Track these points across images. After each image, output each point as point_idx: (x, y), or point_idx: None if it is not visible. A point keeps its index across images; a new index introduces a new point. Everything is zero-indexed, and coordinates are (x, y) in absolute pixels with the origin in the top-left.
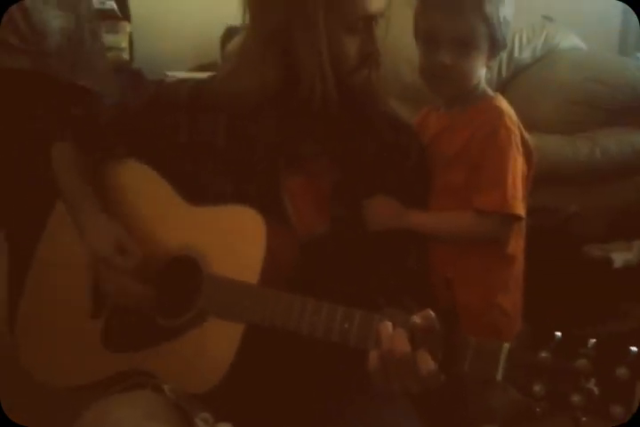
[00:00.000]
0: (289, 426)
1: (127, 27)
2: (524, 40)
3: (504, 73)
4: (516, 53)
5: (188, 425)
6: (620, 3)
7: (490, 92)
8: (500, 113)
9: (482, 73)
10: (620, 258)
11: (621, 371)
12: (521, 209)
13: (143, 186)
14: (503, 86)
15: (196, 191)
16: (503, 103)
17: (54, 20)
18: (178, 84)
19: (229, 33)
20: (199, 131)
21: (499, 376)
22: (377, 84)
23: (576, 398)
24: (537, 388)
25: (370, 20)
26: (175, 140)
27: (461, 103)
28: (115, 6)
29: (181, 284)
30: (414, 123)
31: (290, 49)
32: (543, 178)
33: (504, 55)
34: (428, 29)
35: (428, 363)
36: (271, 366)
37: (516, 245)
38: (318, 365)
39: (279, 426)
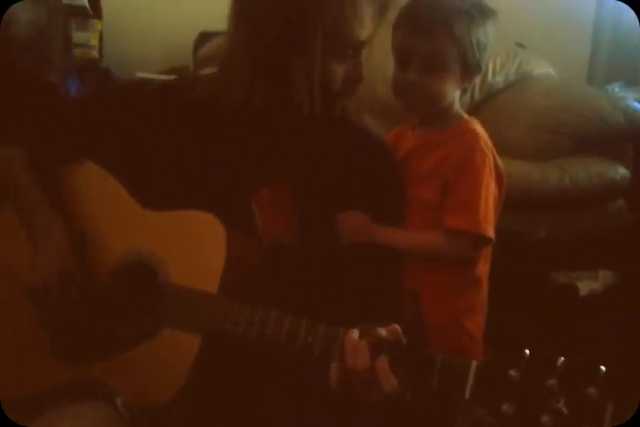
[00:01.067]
0: None
1: (98, 24)
2: (498, 65)
3: (476, 96)
4: (490, 78)
5: None
6: (591, 32)
7: (464, 115)
8: (475, 136)
9: (454, 94)
10: (585, 287)
11: (591, 391)
12: (491, 232)
13: (97, 189)
14: (475, 109)
15: (154, 196)
16: (478, 127)
17: (23, 12)
18: (144, 82)
19: (203, 38)
20: (162, 133)
21: (467, 394)
22: (351, 104)
23: (545, 418)
24: (505, 407)
25: (359, 48)
26: (135, 141)
27: (435, 123)
28: (86, 3)
29: (137, 291)
30: (386, 140)
31: (282, 68)
32: (512, 202)
33: (477, 79)
34: (400, 46)
35: (390, 381)
36: (231, 378)
37: (483, 268)
38: (280, 376)
39: None
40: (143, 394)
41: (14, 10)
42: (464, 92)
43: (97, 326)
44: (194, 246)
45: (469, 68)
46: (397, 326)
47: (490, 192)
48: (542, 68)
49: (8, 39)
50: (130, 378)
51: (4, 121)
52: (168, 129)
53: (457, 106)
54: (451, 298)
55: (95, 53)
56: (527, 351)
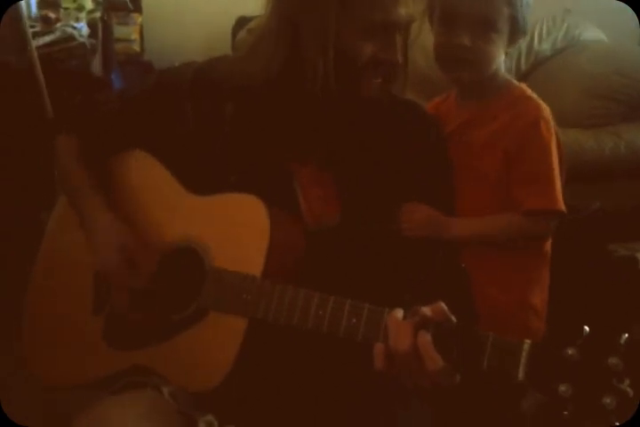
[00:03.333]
0: None
1: (138, 18)
2: (544, 32)
3: (523, 65)
4: (536, 45)
5: None
6: None
7: (514, 81)
8: (537, 104)
9: (501, 59)
10: None
11: None
12: (563, 205)
13: (146, 176)
14: (522, 79)
15: (200, 181)
16: (534, 94)
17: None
18: (182, 67)
19: (240, 23)
20: (204, 117)
21: (520, 375)
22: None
23: (608, 400)
24: (563, 388)
25: (391, 28)
26: (179, 128)
27: (483, 92)
28: None
29: (183, 276)
30: (430, 107)
31: (298, 38)
32: (567, 172)
33: (523, 47)
34: (447, 10)
35: (435, 361)
36: (276, 364)
37: (549, 242)
38: (326, 362)
39: None
40: (191, 379)
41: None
42: (507, 56)
43: (146, 312)
44: (238, 230)
45: (517, 30)
46: (443, 304)
47: (557, 164)
48: (591, 33)
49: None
50: (178, 363)
51: (58, 113)
52: (209, 113)
53: (503, 72)
54: (517, 274)
55: (137, 47)
56: (586, 328)
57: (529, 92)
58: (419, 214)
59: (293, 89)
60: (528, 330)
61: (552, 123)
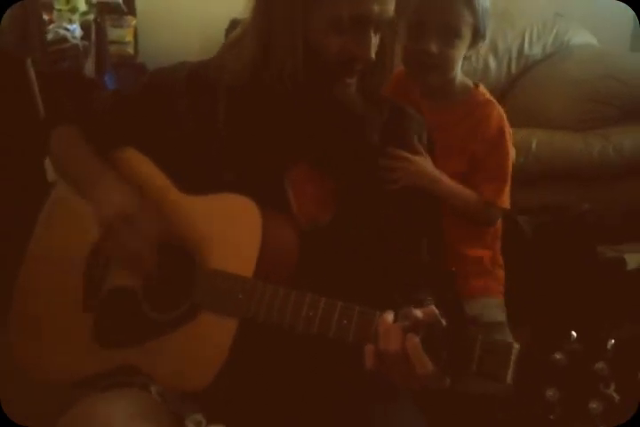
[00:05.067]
0: None
1: (132, 21)
2: (535, 36)
3: (513, 69)
4: (527, 49)
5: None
6: None
7: (469, 82)
8: (498, 109)
9: (460, 63)
10: (633, 260)
11: None
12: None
13: (137, 174)
14: (512, 82)
15: (192, 180)
16: (492, 97)
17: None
18: (176, 66)
19: (234, 25)
20: (198, 116)
21: (508, 379)
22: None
23: (594, 405)
24: (550, 393)
25: (362, 24)
26: (172, 126)
27: (444, 94)
28: (120, 0)
29: (173, 275)
30: (388, 88)
31: (269, 31)
32: (555, 174)
33: (514, 51)
34: (415, 17)
35: (424, 365)
36: (266, 364)
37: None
38: (316, 362)
39: None
40: (181, 379)
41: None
42: (467, 59)
43: (136, 311)
44: (230, 230)
45: (478, 35)
46: (434, 308)
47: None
48: (582, 38)
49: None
50: (167, 363)
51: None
52: (202, 111)
53: (460, 74)
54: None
55: (130, 50)
56: (574, 333)
57: (488, 94)
58: (416, 165)
59: (275, 87)
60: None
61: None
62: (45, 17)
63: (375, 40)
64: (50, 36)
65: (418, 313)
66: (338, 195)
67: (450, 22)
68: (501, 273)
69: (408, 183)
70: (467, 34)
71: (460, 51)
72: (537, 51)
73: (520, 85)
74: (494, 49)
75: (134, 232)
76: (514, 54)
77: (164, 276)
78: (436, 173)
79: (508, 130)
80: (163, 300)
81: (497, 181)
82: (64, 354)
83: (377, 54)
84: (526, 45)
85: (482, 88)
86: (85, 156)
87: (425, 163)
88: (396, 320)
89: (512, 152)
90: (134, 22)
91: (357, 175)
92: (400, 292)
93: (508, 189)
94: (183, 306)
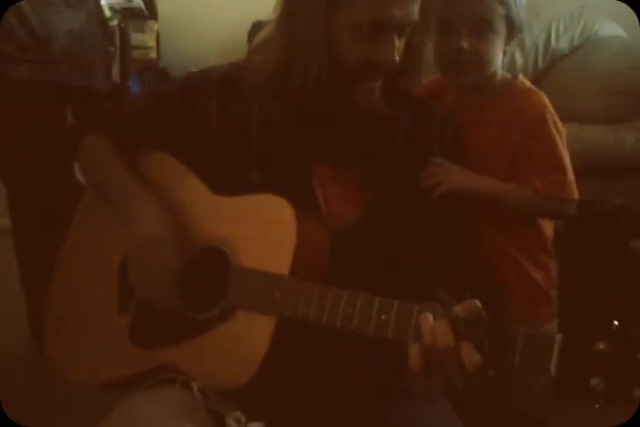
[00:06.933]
0: (323, 426)
1: (154, 26)
2: (561, 29)
3: (540, 63)
4: (553, 43)
5: (219, 424)
6: None
7: (508, 75)
8: (540, 95)
9: (500, 58)
10: None
11: None
12: (577, 193)
13: (170, 178)
14: (539, 77)
15: (224, 182)
16: (533, 86)
17: (60, 23)
18: (209, 69)
19: (256, 28)
20: (228, 119)
21: (552, 370)
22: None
23: (638, 393)
24: (594, 382)
25: (384, 29)
26: (204, 129)
27: (484, 92)
28: (142, 5)
29: (210, 276)
30: (424, 88)
31: (293, 35)
32: (586, 169)
33: (541, 45)
34: (441, 15)
35: (472, 356)
36: (304, 363)
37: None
38: (354, 361)
39: (312, 426)
40: (219, 378)
41: (47, 22)
42: (505, 55)
43: (174, 311)
44: (265, 230)
45: (513, 27)
46: (476, 301)
47: (566, 152)
48: (609, 30)
49: (48, 57)
50: (205, 362)
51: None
52: (234, 113)
53: (500, 71)
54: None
55: (153, 55)
56: (616, 323)
57: (528, 83)
58: (449, 169)
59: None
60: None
61: (554, 112)
62: None
63: (399, 44)
64: None
65: (458, 309)
66: (362, 195)
67: (480, 16)
68: (555, 293)
69: (447, 190)
70: (500, 27)
71: (496, 46)
72: (564, 44)
73: (548, 80)
74: (521, 43)
75: (158, 260)
76: (540, 49)
77: (199, 276)
78: (473, 174)
79: (552, 118)
80: (198, 299)
81: (550, 173)
82: (99, 356)
83: (405, 57)
84: (553, 39)
85: (521, 77)
86: (119, 171)
87: (458, 168)
88: (435, 316)
89: (560, 139)
90: (156, 27)
91: (381, 176)
92: (422, 292)
93: (567, 178)
94: (219, 305)
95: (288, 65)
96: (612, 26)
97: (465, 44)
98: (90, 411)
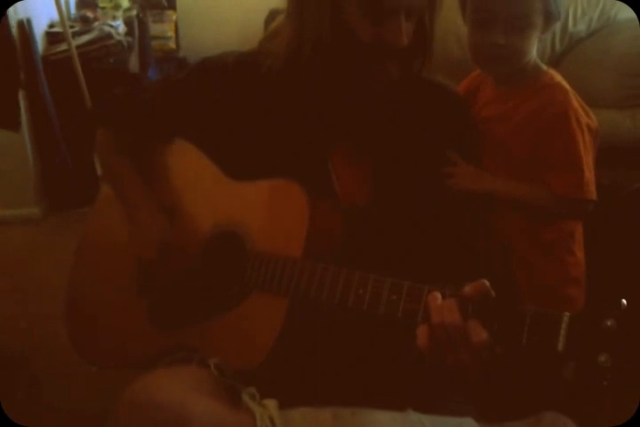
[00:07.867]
0: (335, 404)
1: (173, 15)
2: (579, 12)
3: (557, 47)
4: (571, 26)
5: (235, 400)
6: None
7: (542, 65)
8: (565, 92)
9: (535, 49)
10: None
11: None
12: (594, 193)
13: (187, 164)
14: (557, 60)
15: (239, 166)
16: (562, 79)
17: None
18: (223, 54)
19: (273, 15)
20: (244, 104)
21: (560, 347)
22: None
23: None
24: (602, 358)
25: (390, 10)
26: (219, 114)
27: (515, 79)
28: None
29: (225, 259)
30: (462, 85)
31: (301, 12)
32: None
33: (558, 28)
34: (482, 10)
35: (479, 333)
36: (317, 342)
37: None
38: (366, 339)
39: (325, 404)
40: (235, 358)
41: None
42: (541, 41)
43: (190, 294)
44: (278, 215)
45: (551, 17)
46: (485, 281)
47: (588, 151)
48: (628, 13)
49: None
50: (221, 342)
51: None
52: (246, 97)
53: (534, 57)
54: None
55: (172, 44)
56: (624, 301)
57: (558, 78)
58: (463, 170)
59: (315, 71)
60: (570, 300)
61: (580, 110)
62: (90, 15)
63: (409, 26)
64: (95, 33)
65: (468, 288)
66: (374, 178)
67: (517, 12)
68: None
69: (463, 188)
70: (538, 21)
71: (531, 39)
72: (581, 27)
73: (565, 63)
74: None
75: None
76: (557, 32)
77: (215, 259)
78: (487, 176)
79: (576, 115)
80: (215, 282)
81: (567, 173)
82: (119, 337)
83: (415, 39)
84: (570, 22)
85: (552, 71)
86: (119, 173)
87: (472, 169)
88: (444, 295)
89: (582, 138)
90: (175, 17)
91: (393, 159)
92: (444, 268)
93: (584, 179)
94: (235, 287)
95: (299, 46)
96: (630, 9)
97: (501, 40)
98: (90, 411)
